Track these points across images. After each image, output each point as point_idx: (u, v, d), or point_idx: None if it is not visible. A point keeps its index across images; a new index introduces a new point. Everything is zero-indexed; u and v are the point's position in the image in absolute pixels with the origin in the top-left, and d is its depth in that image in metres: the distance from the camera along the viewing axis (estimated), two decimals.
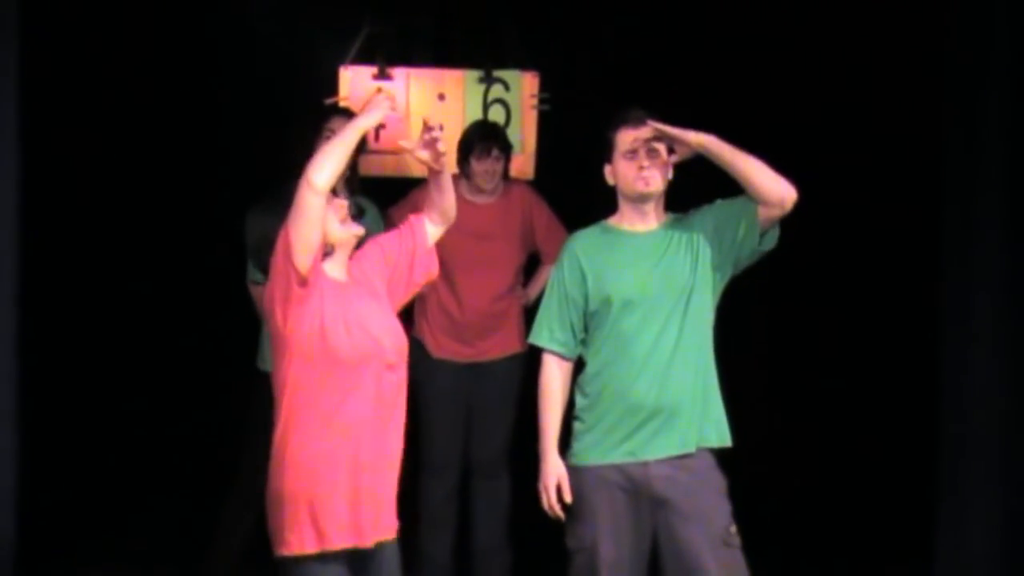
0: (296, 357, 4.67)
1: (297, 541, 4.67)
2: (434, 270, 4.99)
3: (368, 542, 4.73)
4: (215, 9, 7.46)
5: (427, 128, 4.86)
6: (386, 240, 4.96)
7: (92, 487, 7.42)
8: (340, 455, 4.66)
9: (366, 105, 4.86)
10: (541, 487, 5.20)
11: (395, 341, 4.79)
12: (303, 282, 4.64)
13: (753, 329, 7.32)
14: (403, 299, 4.95)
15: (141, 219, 7.49)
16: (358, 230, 4.80)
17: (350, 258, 4.84)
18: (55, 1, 6.80)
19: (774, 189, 5.09)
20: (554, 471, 5.18)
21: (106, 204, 7.46)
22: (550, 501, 5.18)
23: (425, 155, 4.87)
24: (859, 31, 7.28)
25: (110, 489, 7.45)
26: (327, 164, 4.66)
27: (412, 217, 5.01)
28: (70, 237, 7.33)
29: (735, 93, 7.32)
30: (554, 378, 5.23)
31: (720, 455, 5.17)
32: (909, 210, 7.10)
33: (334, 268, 4.78)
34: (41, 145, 6.31)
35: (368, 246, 4.90)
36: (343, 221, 4.77)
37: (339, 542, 4.68)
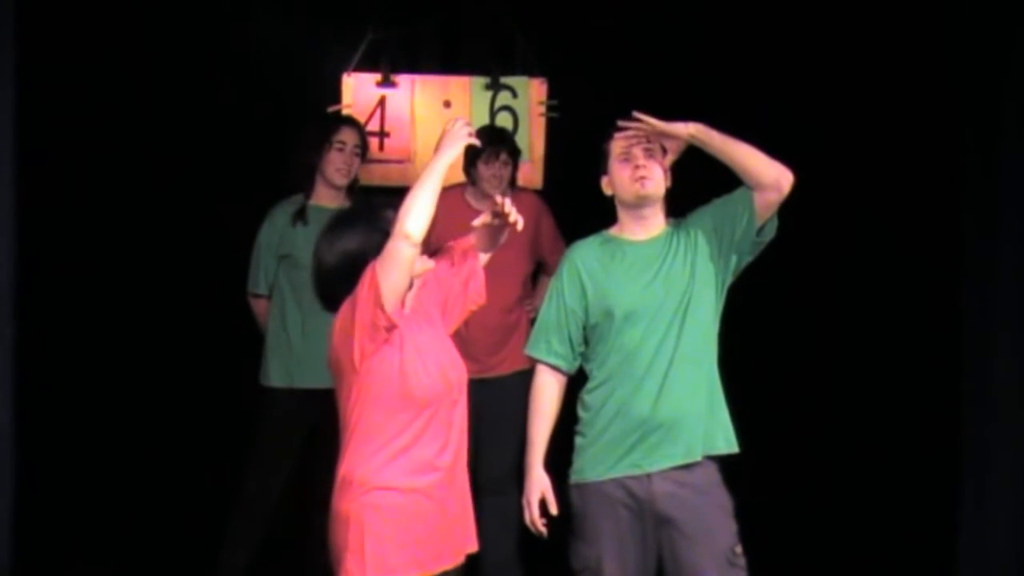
0: (368, 395, 4.62)
1: (358, 568, 4.60)
2: (483, 295, 4.94)
3: (431, 571, 4.68)
4: (217, 15, 7.43)
5: (498, 204, 4.79)
6: (440, 268, 4.89)
7: (92, 502, 7.36)
8: (408, 488, 4.61)
9: (443, 137, 4.76)
10: (524, 502, 5.15)
11: (458, 375, 4.76)
12: (391, 327, 4.59)
13: (766, 331, 7.27)
14: (455, 325, 4.92)
15: (141, 228, 7.43)
16: (431, 264, 4.74)
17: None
18: (52, 8, 6.71)
19: (768, 172, 5.03)
20: (538, 485, 5.13)
21: (106, 212, 7.40)
22: (532, 516, 5.13)
23: (493, 222, 4.84)
24: (874, 25, 7.24)
25: (110, 504, 7.38)
26: (419, 213, 4.56)
27: (465, 244, 4.94)
28: (69, 247, 7.28)
29: (750, 96, 7.26)
30: (548, 391, 5.18)
31: (729, 463, 5.12)
32: (926, 208, 7.06)
33: (406, 303, 4.72)
34: (41, 153, 6.31)
35: (426, 275, 4.82)
36: (420, 256, 4.68)
37: (402, 571, 4.62)
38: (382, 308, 4.54)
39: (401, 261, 4.54)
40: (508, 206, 4.77)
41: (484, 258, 4.95)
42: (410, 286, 4.67)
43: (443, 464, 4.66)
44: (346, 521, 4.62)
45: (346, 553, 4.61)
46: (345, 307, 4.65)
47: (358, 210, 4.89)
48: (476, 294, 4.92)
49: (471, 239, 4.94)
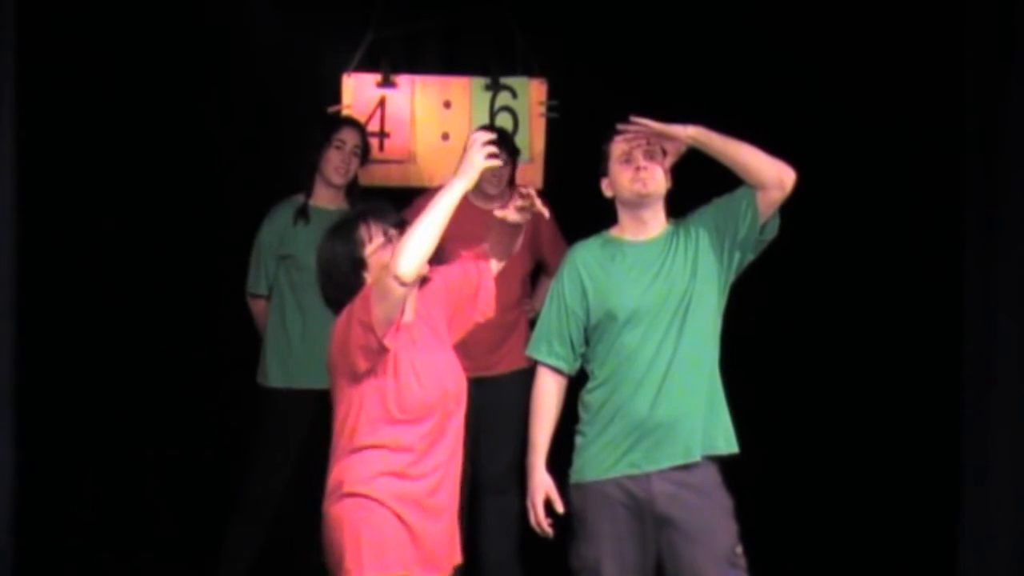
0: (362, 407, 4.65)
1: (356, 567, 4.62)
2: (492, 308, 4.95)
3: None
4: (216, 14, 7.40)
5: (522, 195, 4.82)
6: (451, 274, 4.91)
7: (92, 501, 7.35)
8: (397, 497, 4.64)
9: (465, 154, 4.73)
10: (528, 503, 5.14)
11: (456, 386, 4.77)
12: (384, 351, 4.60)
13: (767, 331, 7.24)
14: (460, 335, 4.93)
15: (140, 228, 7.40)
16: (425, 270, 4.72)
17: (418, 291, 4.80)
18: (53, 8, 6.70)
19: (770, 171, 5.04)
20: (541, 486, 5.12)
21: (105, 212, 7.36)
22: (537, 517, 5.12)
23: (516, 217, 4.85)
24: (875, 24, 7.22)
25: (110, 504, 7.37)
26: (415, 253, 4.55)
27: (478, 255, 4.95)
28: (69, 247, 7.25)
29: (751, 96, 7.25)
30: (549, 392, 5.18)
31: (730, 463, 5.12)
32: (928, 208, 7.06)
33: (405, 311, 4.73)
34: (40, 152, 6.27)
35: (435, 281, 4.86)
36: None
37: (401, 570, 4.65)
38: (373, 332, 4.56)
39: (390, 297, 4.55)
40: (534, 195, 4.80)
41: (496, 267, 4.95)
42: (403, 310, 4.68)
43: (434, 473, 4.68)
44: (340, 524, 4.64)
45: (344, 554, 4.63)
46: (344, 316, 4.68)
47: (346, 217, 4.91)
48: (485, 306, 4.93)
49: (484, 248, 4.95)
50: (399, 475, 4.63)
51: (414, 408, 4.64)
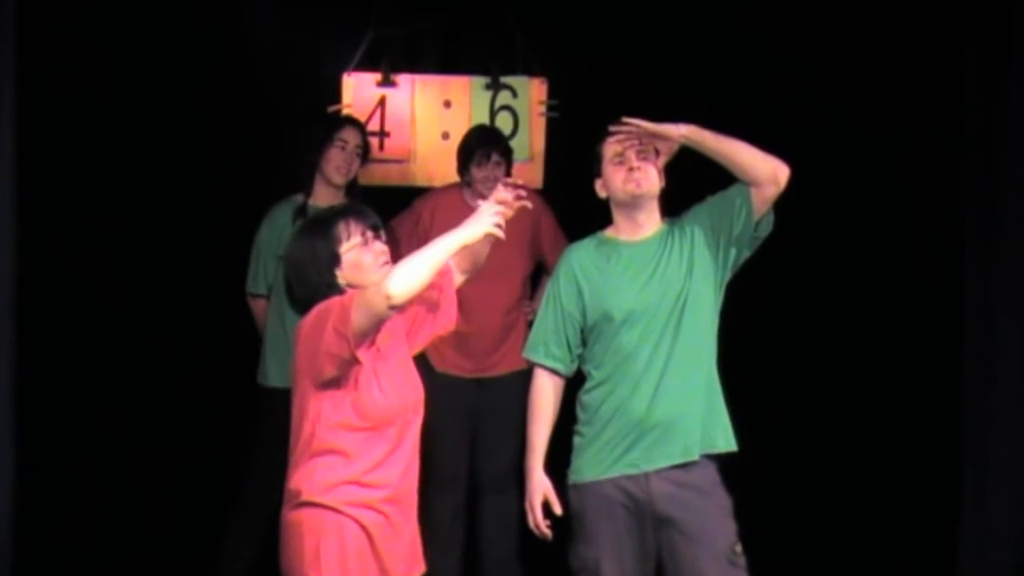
0: (323, 412, 4.65)
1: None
2: (453, 322, 4.94)
3: None
4: (216, 14, 7.39)
5: (506, 185, 4.85)
6: None
7: (92, 501, 7.34)
8: (355, 504, 4.64)
9: (478, 211, 4.75)
10: (527, 505, 5.15)
11: (415, 396, 4.78)
12: (355, 363, 4.60)
13: (766, 330, 7.25)
14: (421, 346, 4.93)
15: (140, 228, 7.40)
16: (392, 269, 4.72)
17: None
18: (53, 8, 6.70)
19: (764, 167, 5.04)
20: (539, 488, 5.13)
21: (105, 212, 7.36)
22: (536, 520, 5.13)
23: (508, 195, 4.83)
24: (875, 22, 7.21)
25: (110, 504, 7.36)
26: (410, 280, 4.53)
27: (443, 269, 4.89)
28: (69, 246, 7.25)
29: (751, 95, 7.25)
30: (546, 394, 5.18)
31: (729, 462, 5.12)
32: (927, 208, 7.06)
33: None
34: (40, 153, 6.27)
35: None
36: (382, 266, 4.71)
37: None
38: (347, 342, 4.55)
39: (374, 313, 4.53)
40: (518, 192, 4.80)
41: (460, 279, 4.95)
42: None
43: (392, 481, 4.67)
44: (299, 532, 4.65)
45: (303, 563, 4.63)
46: (314, 318, 4.65)
47: (323, 214, 4.89)
48: (446, 319, 4.92)
49: (448, 263, 4.89)
50: (357, 483, 4.63)
51: (374, 416, 4.64)
